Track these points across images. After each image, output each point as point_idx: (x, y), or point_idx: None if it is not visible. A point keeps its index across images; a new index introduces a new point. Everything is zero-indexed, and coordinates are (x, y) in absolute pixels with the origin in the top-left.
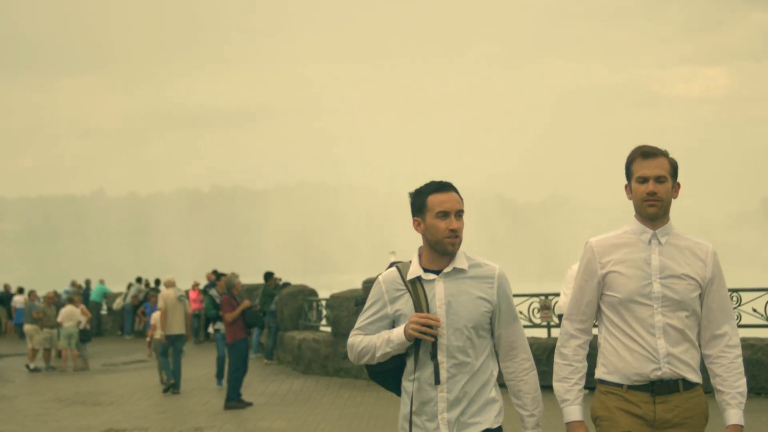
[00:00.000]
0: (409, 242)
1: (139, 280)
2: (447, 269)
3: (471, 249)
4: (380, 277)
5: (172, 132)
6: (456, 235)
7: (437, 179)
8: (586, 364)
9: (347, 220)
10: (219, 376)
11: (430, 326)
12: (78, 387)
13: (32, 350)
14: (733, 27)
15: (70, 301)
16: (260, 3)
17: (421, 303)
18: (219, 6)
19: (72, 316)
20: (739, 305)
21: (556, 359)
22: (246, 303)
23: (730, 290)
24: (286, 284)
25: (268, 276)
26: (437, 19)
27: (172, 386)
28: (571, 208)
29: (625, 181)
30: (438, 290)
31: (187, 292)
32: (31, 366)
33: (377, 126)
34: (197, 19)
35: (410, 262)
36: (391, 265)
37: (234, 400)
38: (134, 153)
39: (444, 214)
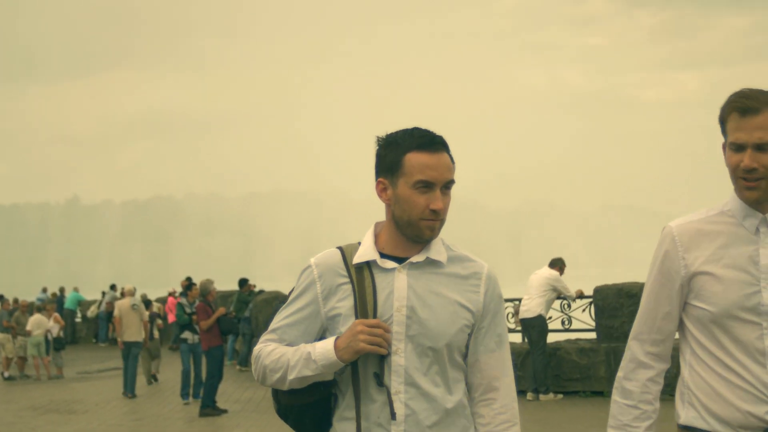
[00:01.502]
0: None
1: (113, 287)
2: (416, 258)
3: None
4: (313, 259)
5: (147, 139)
6: (438, 216)
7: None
8: (658, 406)
9: (323, 225)
10: (184, 390)
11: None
12: (52, 395)
13: (6, 359)
14: (705, 33)
15: (39, 309)
16: (233, 10)
17: (366, 301)
18: (192, 13)
19: (40, 324)
20: None
21: (616, 396)
22: (221, 310)
23: None
24: (261, 291)
25: (243, 282)
26: (413, 26)
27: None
28: (544, 212)
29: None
30: (398, 285)
31: (169, 294)
32: (5, 375)
33: (353, 132)
34: (172, 25)
35: (358, 244)
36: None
37: (209, 407)
38: (109, 160)
39: (426, 186)
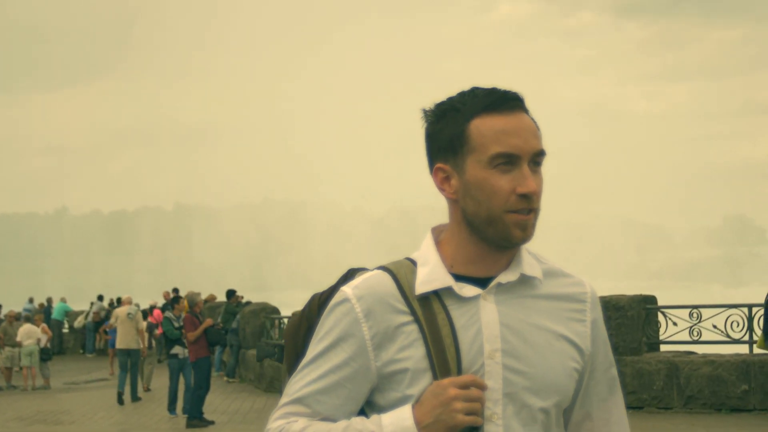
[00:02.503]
0: (374, 261)
1: (100, 298)
2: (505, 276)
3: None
4: (349, 289)
5: (136, 149)
6: (531, 204)
7: (393, 203)
8: None
9: (312, 236)
10: (172, 405)
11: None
12: (39, 406)
13: None
14: (694, 45)
15: (28, 319)
16: (222, 20)
17: (444, 348)
18: (182, 23)
19: (31, 334)
20: (700, 321)
21: None
22: (208, 321)
23: (689, 306)
24: (248, 302)
25: (231, 294)
26: (401, 37)
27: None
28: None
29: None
30: (486, 319)
31: (151, 308)
32: None
33: (342, 143)
34: (161, 36)
35: (410, 261)
36: (354, 272)
37: (196, 419)
38: (98, 170)
39: (507, 160)
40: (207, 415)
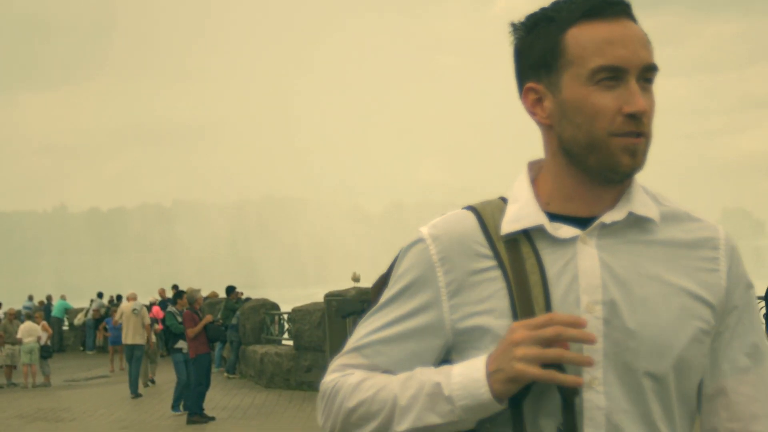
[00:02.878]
0: (372, 257)
1: (100, 295)
2: (610, 215)
3: None
4: (426, 228)
5: (134, 147)
6: (641, 127)
7: (391, 200)
8: None
9: (311, 233)
10: (178, 402)
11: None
12: (40, 403)
13: None
14: (693, 40)
15: (29, 317)
16: (220, 18)
17: (531, 297)
18: (179, 21)
19: (32, 331)
20: None
21: None
22: (208, 317)
23: None
24: (248, 298)
25: (230, 290)
26: (398, 33)
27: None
28: None
29: None
30: (584, 265)
31: (151, 305)
32: None
33: (342, 140)
34: (159, 34)
35: (501, 200)
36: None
37: (197, 415)
38: (96, 168)
39: (612, 74)
40: (207, 412)
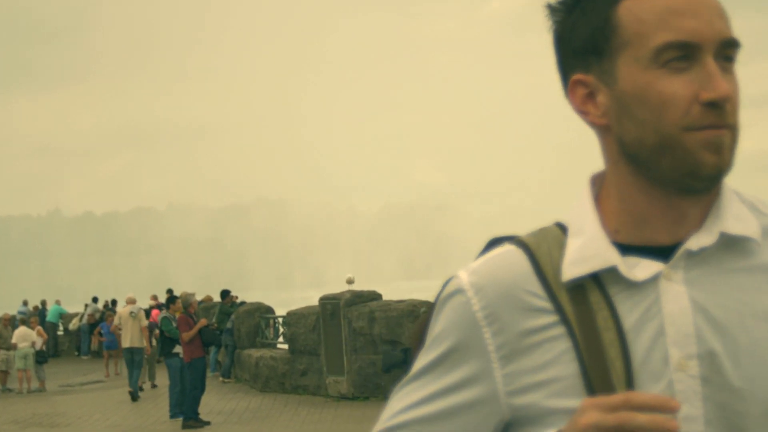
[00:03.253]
0: (367, 260)
1: (95, 300)
2: (696, 239)
3: (421, 265)
4: (466, 276)
5: (128, 150)
6: (724, 122)
7: (386, 202)
8: None
9: (305, 236)
10: (176, 408)
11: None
12: (35, 409)
13: None
14: None
15: (24, 322)
16: (214, 23)
17: (606, 359)
18: (173, 22)
19: (26, 336)
20: None
21: None
22: (203, 321)
23: None
24: (243, 302)
25: (225, 294)
26: (394, 33)
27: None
28: (523, 219)
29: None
30: (670, 309)
31: (150, 308)
32: None
33: (335, 141)
34: (153, 35)
35: (559, 228)
36: (496, 245)
37: (192, 419)
38: (90, 172)
39: (682, 53)
40: (203, 416)
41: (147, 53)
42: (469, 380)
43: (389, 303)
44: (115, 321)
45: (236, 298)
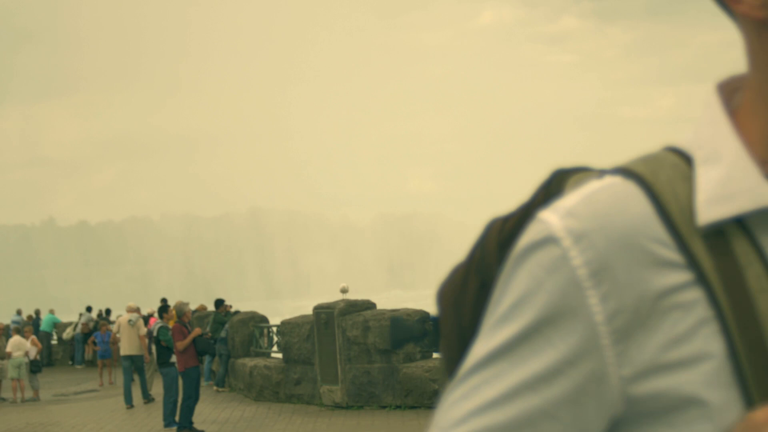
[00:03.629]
0: (361, 269)
1: (89, 309)
2: None
3: (414, 275)
4: (559, 219)
5: (122, 160)
6: None
7: (379, 211)
8: None
9: (298, 245)
10: (172, 417)
11: None
12: (29, 418)
13: None
14: (678, 49)
15: (18, 331)
16: (205, 33)
17: (764, 331)
18: (166, 33)
19: (20, 346)
20: None
21: None
22: (197, 331)
23: None
24: (237, 311)
25: (219, 303)
26: (386, 44)
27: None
28: None
29: None
30: None
31: (148, 316)
32: None
33: (329, 151)
34: (145, 46)
35: (677, 154)
36: (565, 176)
37: (186, 428)
38: (84, 182)
39: None
40: (197, 425)
41: (140, 64)
42: (568, 363)
43: (383, 312)
44: (114, 329)
45: (230, 307)
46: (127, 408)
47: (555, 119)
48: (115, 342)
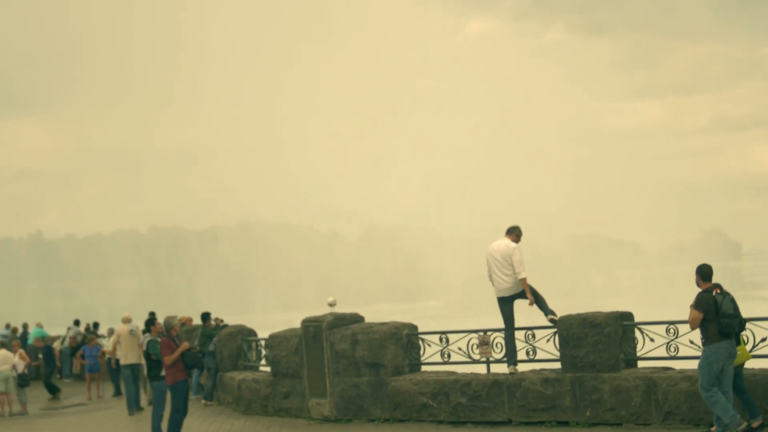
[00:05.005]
0: (349, 283)
1: (77, 323)
2: None
3: (400, 290)
4: None
5: (110, 172)
6: None
7: (367, 225)
8: None
9: (287, 259)
10: (156, 430)
11: None
12: None
13: None
14: (664, 62)
15: (5, 345)
16: (192, 46)
17: None
18: (156, 46)
19: (6, 359)
20: (677, 337)
21: None
22: (185, 344)
23: (666, 322)
24: (225, 325)
25: (206, 316)
26: (371, 56)
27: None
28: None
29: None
30: None
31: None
32: None
33: (316, 164)
34: (135, 59)
35: None
36: None
37: None
38: (71, 194)
39: None
40: None
41: (128, 78)
42: None
43: (372, 325)
44: (113, 339)
45: (221, 321)
46: (136, 411)
47: (540, 132)
48: (104, 355)
